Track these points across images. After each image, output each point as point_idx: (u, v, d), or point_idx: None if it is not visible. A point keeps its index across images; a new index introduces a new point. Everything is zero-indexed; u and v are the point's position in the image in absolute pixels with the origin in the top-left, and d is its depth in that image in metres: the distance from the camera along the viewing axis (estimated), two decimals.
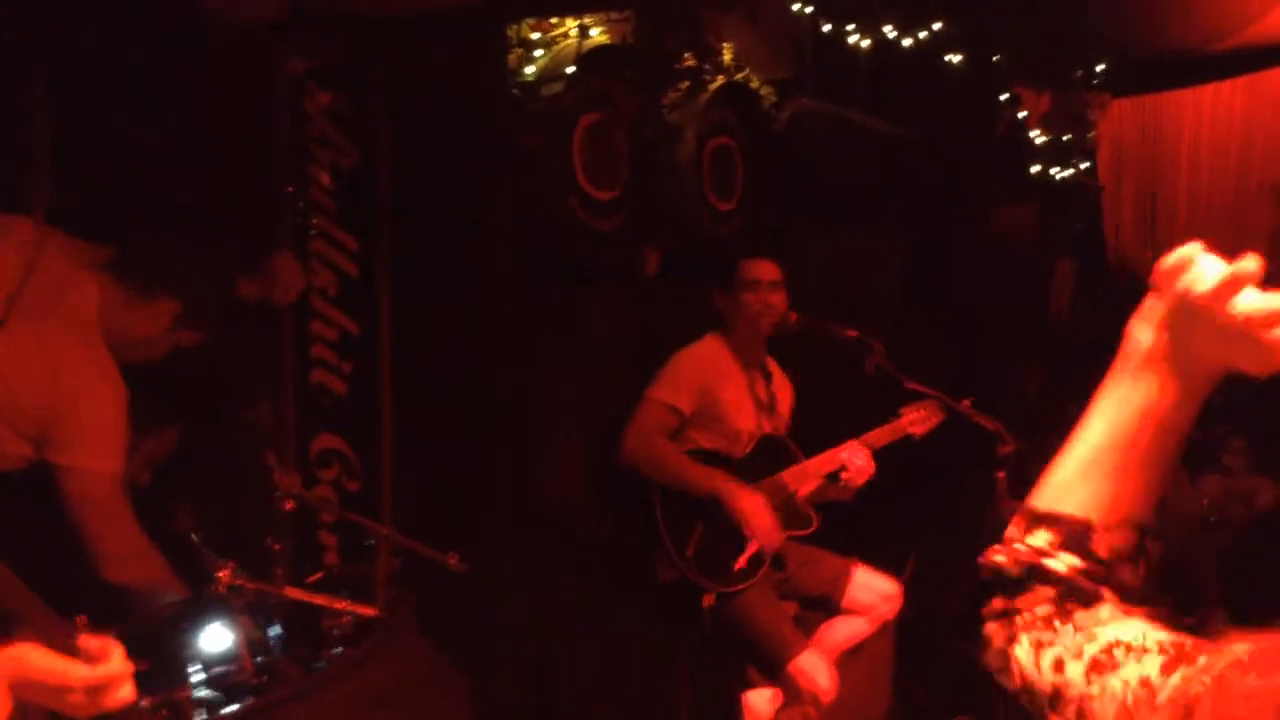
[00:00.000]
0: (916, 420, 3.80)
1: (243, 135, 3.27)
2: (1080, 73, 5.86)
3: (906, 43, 4.86)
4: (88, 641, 1.31)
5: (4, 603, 1.27)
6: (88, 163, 2.95)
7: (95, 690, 1.29)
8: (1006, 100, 5.55)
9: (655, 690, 3.74)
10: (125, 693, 1.34)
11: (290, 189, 3.32)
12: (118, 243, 2.59)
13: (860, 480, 3.68)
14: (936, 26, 4.90)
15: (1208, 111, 6.00)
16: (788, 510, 3.69)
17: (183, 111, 3.08)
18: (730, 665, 3.79)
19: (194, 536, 2.22)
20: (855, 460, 3.67)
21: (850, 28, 4.69)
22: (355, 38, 3.42)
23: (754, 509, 3.53)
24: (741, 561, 3.58)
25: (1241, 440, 5.57)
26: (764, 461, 3.72)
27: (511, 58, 3.76)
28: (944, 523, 4.40)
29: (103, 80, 2.94)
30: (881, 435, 3.78)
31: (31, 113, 2.94)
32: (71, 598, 2.16)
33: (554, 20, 3.85)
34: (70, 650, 1.30)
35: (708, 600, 3.55)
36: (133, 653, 2.17)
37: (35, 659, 1.26)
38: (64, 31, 2.87)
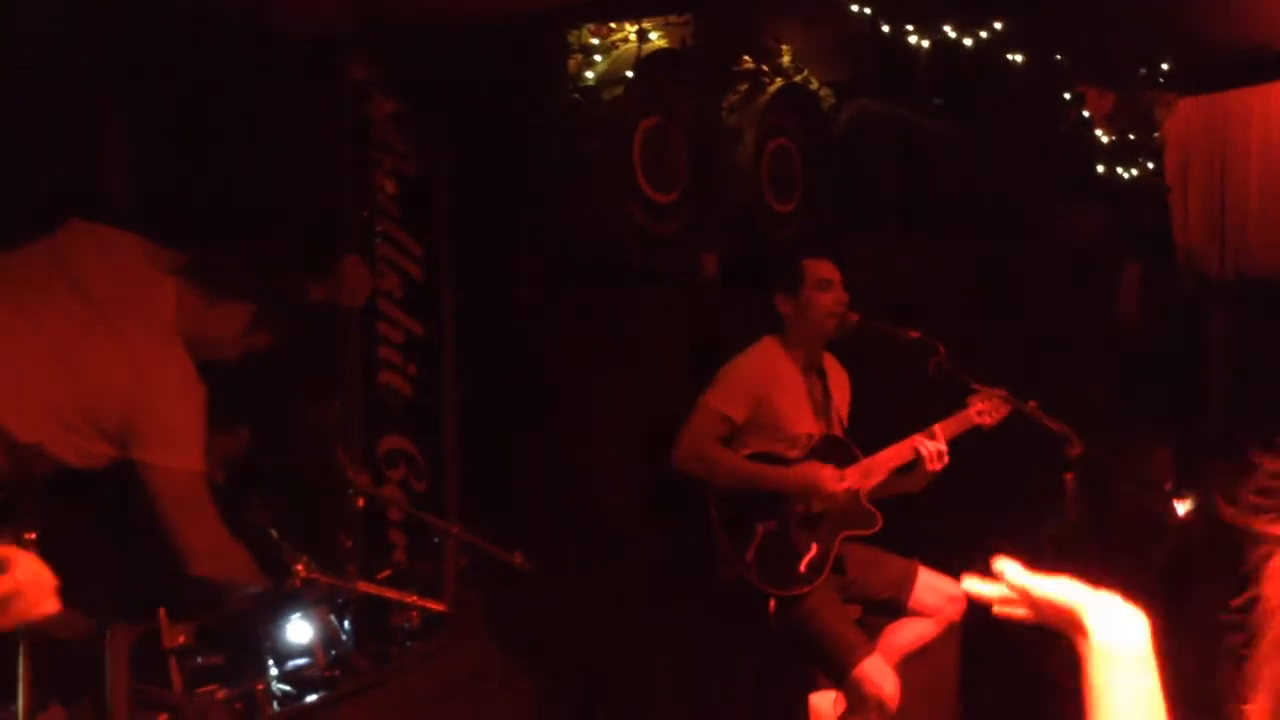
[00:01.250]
0: (985, 410, 3.72)
1: (309, 142, 3.33)
2: (1145, 71, 5.76)
3: (967, 42, 4.82)
4: None
5: None
6: (162, 171, 3.03)
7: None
8: (1070, 100, 5.48)
9: (718, 689, 3.73)
10: (46, 605, 1.33)
11: (356, 195, 3.38)
12: (192, 248, 2.65)
13: (938, 465, 3.64)
14: (998, 26, 4.85)
15: (1276, 110, 5.87)
16: (851, 509, 3.66)
17: (250, 119, 3.15)
18: (795, 666, 3.77)
19: (273, 531, 2.26)
20: (930, 445, 3.63)
21: (910, 28, 4.66)
22: (417, 45, 3.47)
23: (815, 476, 3.54)
24: (803, 566, 3.56)
25: None
26: (825, 462, 3.70)
27: (571, 63, 3.80)
28: (1010, 526, 4.34)
29: (174, 89, 3.01)
30: (949, 426, 3.70)
31: (107, 123, 3.02)
32: (156, 591, 2.22)
33: (613, 25, 3.87)
34: None
35: (771, 604, 3.54)
36: (212, 645, 2.22)
37: None
38: (136, 43, 2.94)
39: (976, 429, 3.73)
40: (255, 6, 3.01)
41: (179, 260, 2.60)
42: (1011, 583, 1.17)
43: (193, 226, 2.80)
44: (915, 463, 3.69)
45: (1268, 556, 0.98)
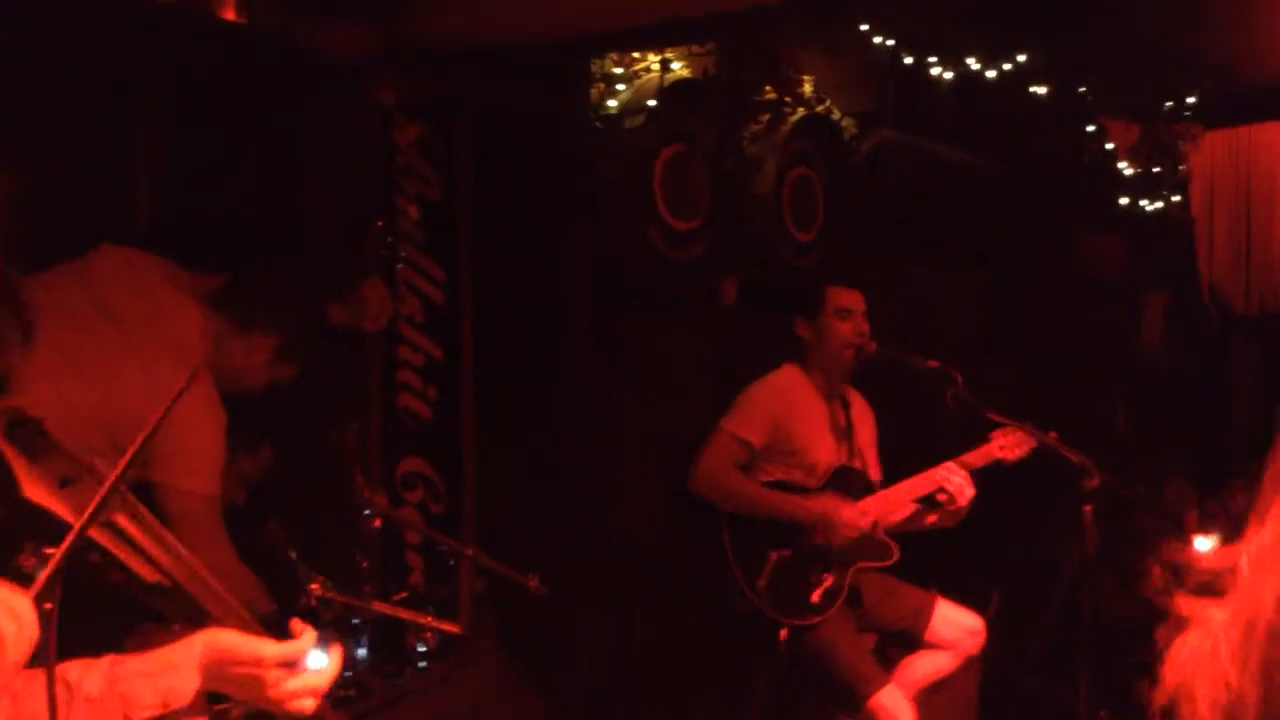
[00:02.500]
0: (1007, 445, 3.66)
1: (334, 167, 3.38)
2: (1170, 104, 5.76)
3: (990, 74, 4.83)
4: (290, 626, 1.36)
5: (202, 604, 1.32)
6: (187, 195, 3.07)
7: (286, 669, 1.31)
8: (1093, 132, 5.47)
9: (731, 717, 3.71)
10: (309, 707, 1.36)
11: (380, 219, 3.42)
12: (217, 272, 2.68)
13: (963, 500, 3.59)
14: (1021, 58, 4.86)
15: None
16: (867, 540, 3.65)
17: (275, 144, 3.19)
18: (807, 696, 3.75)
19: (291, 552, 2.27)
20: (954, 479, 3.59)
21: (932, 59, 4.68)
22: (443, 72, 3.51)
23: (832, 510, 3.53)
24: (816, 596, 3.55)
25: None
26: (840, 492, 3.68)
27: (594, 91, 3.83)
28: (1030, 559, 4.31)
29: (199, 114, 3.06)
30: (972, 459, 3.66)
31: (135, 147, 3.07)
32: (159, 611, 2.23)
33: (636, 55, 3.90)
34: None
35: (783, 633, 3.52)
36: None
37: (228, 638, 1.30)
38: (163, 68, 2.99)
39: (998, 463, 3.70)
40: (285, 33, 3.06)
41: (205, 285, 2.63)
42: None
43: (217, 251, 2.83)
44: (938, 496, 3.65)
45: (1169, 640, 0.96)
